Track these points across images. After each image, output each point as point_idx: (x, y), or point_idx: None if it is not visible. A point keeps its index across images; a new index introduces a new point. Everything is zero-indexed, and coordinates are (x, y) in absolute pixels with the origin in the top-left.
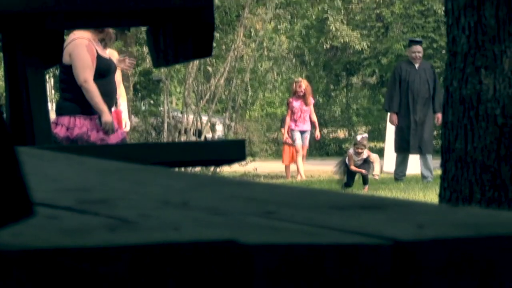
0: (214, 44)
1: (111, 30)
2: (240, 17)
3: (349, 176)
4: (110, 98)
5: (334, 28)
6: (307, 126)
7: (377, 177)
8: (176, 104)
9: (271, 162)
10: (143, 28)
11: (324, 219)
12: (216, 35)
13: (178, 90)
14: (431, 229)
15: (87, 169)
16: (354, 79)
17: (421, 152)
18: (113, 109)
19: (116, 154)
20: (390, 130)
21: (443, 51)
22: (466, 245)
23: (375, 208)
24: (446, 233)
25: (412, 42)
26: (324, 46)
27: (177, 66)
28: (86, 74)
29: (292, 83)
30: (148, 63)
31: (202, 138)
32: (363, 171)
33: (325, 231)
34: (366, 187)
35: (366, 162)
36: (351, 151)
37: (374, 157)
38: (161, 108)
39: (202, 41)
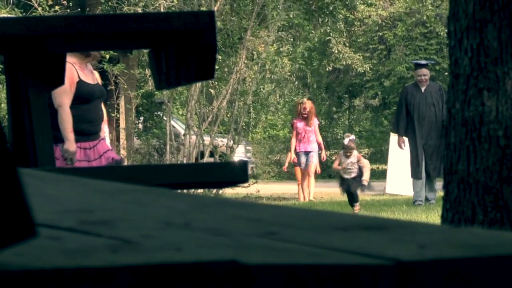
0: (217, 67)
1: (96, 52)
2: (242, 39)
3: (343, 184)
4: (94, 124)
5: (336, 51)
6: (311, 147)
7: (365, 183)
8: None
9: (273, 184)
10: (145, 51)
11: (326, 240)
12: (219, 57)
13: (180, 112)
14: (433, 249)
15: (89, 191)
16: (357, 101)
17: (429, 176)
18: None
19: (119, 176)
20: (393, 152)
21: (446, 73)
22: (468, 265)
23: (377, 229)
24: (448, 253)
25: (418, 65)
26: (327, 69)
27: (180, 89)
28: (61, 99)
29: (297, 105)
30: (150, 85)
31: (209, 158)
32: (338, 167)
33: (327, 252)
34: (357, 205)
35: (359, 177)
36: (341, 153)
37: (365, 162)
38: (166, 129)
39: (204, 63)
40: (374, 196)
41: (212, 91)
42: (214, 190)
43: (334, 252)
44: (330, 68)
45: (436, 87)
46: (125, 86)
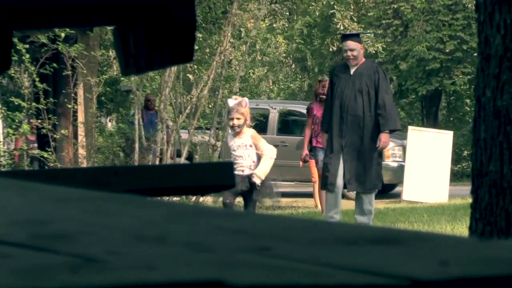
0: (196, 47)
1: None
2: (227, 13)
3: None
4: None
5: (342, 27)
6: None
7: (257, 181)
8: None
9: None
10: (109, 28)
11: (328, 256)
12: (198, 35)
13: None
14: (457, 266)
15: (42, 198)
16: None
17: (350, 190)
18: None
19: (78, 180)
20: (411, 151)
21: (475, 54)
22: (499, 284)
23: (389, 242)
24: (474, 270)
25: (343, 37)
26: (330, 49)
27: (151, 74)
28: None
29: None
30: (115, 70)
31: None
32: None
33: (330, 270)
34: None
35: (262, 182)
36: (230, 133)
37: (265, 150)
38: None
39: (181, 43)
40: (388, 204)
41: (190, 76)
42: (194, 198)
43: (338, 271)
44: (335, 48)
45: (371, 69)
46: (84, 71)
